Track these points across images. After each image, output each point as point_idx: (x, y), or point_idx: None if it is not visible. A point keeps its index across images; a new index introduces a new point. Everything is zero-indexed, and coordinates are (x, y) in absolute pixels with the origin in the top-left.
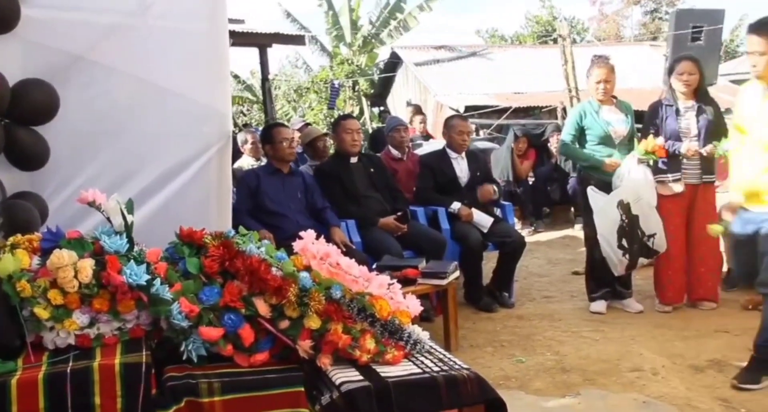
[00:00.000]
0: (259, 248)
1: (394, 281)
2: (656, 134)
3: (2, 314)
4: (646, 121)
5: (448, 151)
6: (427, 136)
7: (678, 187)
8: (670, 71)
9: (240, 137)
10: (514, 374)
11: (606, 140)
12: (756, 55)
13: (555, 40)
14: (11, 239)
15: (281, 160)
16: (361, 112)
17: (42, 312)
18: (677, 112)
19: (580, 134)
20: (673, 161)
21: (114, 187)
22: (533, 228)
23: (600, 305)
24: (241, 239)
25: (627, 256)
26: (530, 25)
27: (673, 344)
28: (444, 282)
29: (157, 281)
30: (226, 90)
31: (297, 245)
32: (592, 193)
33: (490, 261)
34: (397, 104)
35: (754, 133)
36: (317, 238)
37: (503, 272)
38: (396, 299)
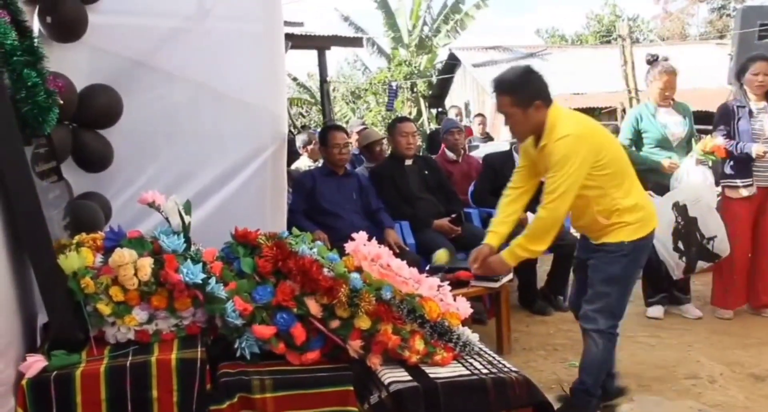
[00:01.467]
0: (311, 248)
1: (444, 283)
2: (729, 136)
3: (68, 309)
4: (717, 122)
5: (515, 155)
6: (486, 138)
7: (745, 192)
8: (743, 71)
9: (301, 138)
10: (566, 378)
11: (663, 143)
12: (508, 116)
13: (616, 40)
14: (77, 238)
15: (333, 164)
16: (419, 113)
17: (104, 308)
18: (750, 113)
19: (638, 138)
20: (742, 166)
21: (173, 188)
22: None
23: (657, 310)
24: (294, 239)
25: (684, 259)
26: (592, 24)
27: (732, 352)
28: (497, 285)
29: (213, 280)
30: (282, 92)
31: (349, 247)
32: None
33: (544, 264)
34: (458, 105)
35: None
36: (370, 239)
37: (558, 275)
38: (446, 301)
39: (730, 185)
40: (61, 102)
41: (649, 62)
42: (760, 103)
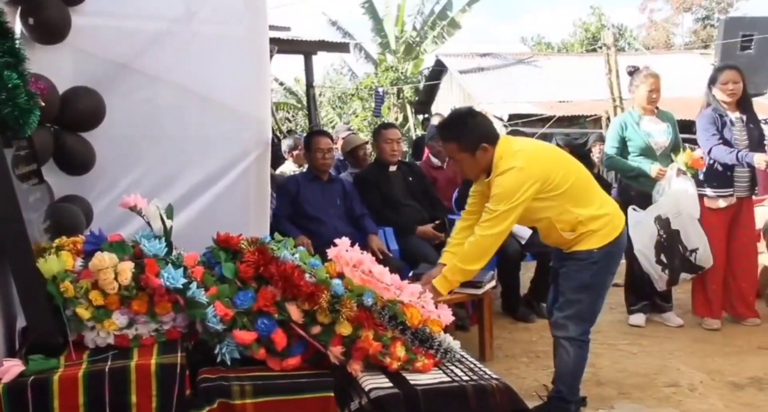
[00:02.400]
0: (293, 254)
1: (426, 290)
2: (727, 143)
3: (47, 313)
4: (705, 130)
5: None
6: None
7: (723, 203)
8: (713, 82)
9: (287, 143)
10: (549, 386)
11: (647, 151)
12: (457, 161)
13: (602, 48)
14: (57, 241)
15: (317, 169)
16: (406, 119)
17: (84, 312)
18: (731, 123)
19: (624, 146)
20: (720, 177)
21: (156, 192)
22: None
23: (639, 318)
24: (276, 245)
25: (667, 271)
26: (579, 32)
27: (712, 360)
28: (479, 291)
29: (194, 285)
30: (266, 97)
31: (331, 252)
32: (632, 212)
33: (528, 271)
34: (441, 112)
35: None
36: (353, 245)
37: (541, 282)
38: (427, 308)
39: (708, 196)
40: (43, 104)
41: (630, 73)
42: (734, 113)
